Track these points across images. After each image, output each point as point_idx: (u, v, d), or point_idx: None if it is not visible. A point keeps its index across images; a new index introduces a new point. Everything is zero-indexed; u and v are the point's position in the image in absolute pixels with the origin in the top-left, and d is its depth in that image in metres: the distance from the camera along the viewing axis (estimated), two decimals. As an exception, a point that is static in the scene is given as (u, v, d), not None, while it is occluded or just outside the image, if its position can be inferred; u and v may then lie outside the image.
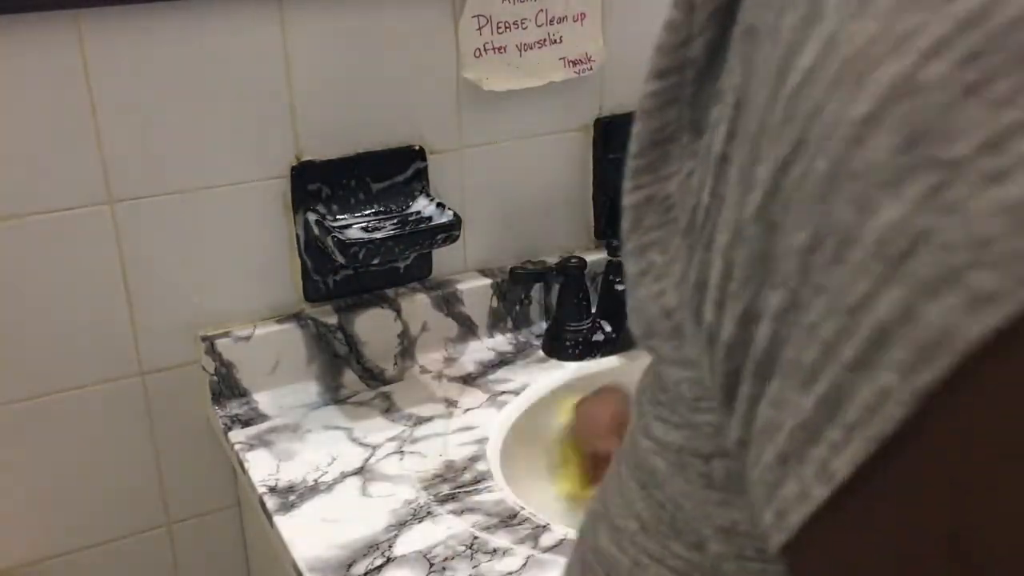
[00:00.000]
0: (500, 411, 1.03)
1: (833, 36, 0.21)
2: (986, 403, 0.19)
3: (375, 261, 1.03)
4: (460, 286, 1.14)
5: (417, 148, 1.08)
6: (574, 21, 1.11)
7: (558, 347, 1.13)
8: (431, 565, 0.81)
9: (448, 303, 1.13)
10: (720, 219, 0.25)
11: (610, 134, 1.18)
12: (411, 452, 0.97)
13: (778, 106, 0.23)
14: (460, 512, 0.88)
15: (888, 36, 0.20)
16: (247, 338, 1.04)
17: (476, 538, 0.84)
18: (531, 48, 1.09)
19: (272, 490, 0.91)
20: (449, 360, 1.13)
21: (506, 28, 1.07)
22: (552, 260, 1.17)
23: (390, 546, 0.84)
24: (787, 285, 0.22)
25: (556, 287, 1.15)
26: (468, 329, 1.15)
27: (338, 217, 1.04)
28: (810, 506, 0.22)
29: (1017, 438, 0.19)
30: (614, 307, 1.14)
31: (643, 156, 0.27)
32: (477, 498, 0.90)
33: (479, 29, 1.06)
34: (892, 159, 0.20)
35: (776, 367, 0.23)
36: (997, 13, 0.19)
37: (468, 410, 1.04)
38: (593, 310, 1.14)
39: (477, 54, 1.07)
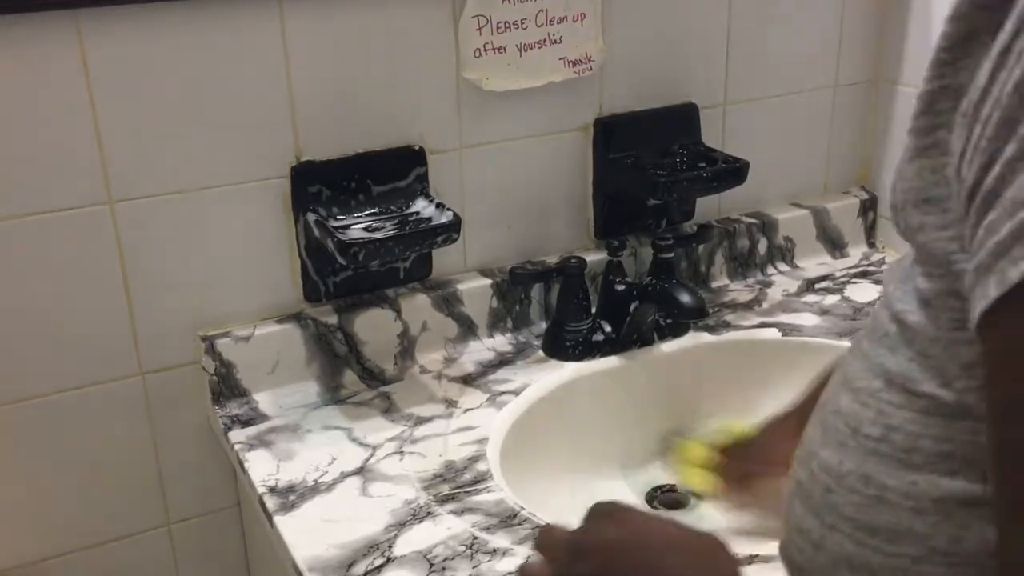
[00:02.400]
0: (500, 411, 1.03)
1: None
2: None
3: (375, 261, 1.03)
4: (460, 286, 1.14)
5: (417, 148, 1.08)
6: (574, 21, 1.11)
7: (558, 347, 1.13)
8: (431, 565, 0.81)
9: (448, 303, 1.13)
10: (990, 95, 0.34)
11: (610, 134, 1.18)
12: (411, 452, 0.97)
13: None
14: (460, 512, 0.88)
15: None
16: (247, 338, 1.04)
17: (476, 538, 0.84)
18: (531, 48, 1.09)
19: (272, 490, 0.91)
20: (449, 360, 1.13)
21: (506, 28, 1.07)
22: (552, 260, 1.17)
23: (390, 546, 0.84)
24: (1020, 141, 0.32)
25: (556, 287, 1.15)
26: (468, 329, 1.15)
27: (338, 217, 1.04)
28: (987, 303, 0.33)
29: None
30: (614, 307, 1.14)
31: (949, 52, 0.35)
32: (477, 498, 0.90)
33: (479, 29, 1.06)
34: None
35: (996, 203, 0.33)
36: None
37: (468, 410, 1.04)
38: (593, 310, 1.14)
39: (477, 54, 1.07)
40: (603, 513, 0.55)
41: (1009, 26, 0.34)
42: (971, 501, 0.41)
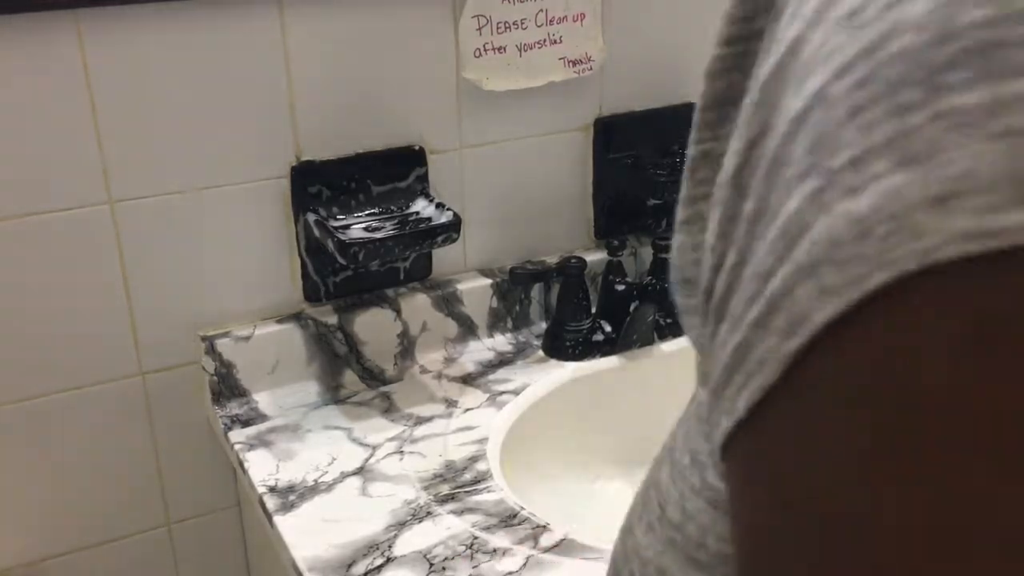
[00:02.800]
0: (500, 411, 1.03)
1: (798, 38, 0.25)
2: (831, 375, 0.23)
3: (375, 261, 1.03)
4: (460, 286, 1.14)
5: (417, 148, 1.08)
6: (574, 21, 1.11)
7: (558, 347, 1.13)
8: (431, 565, 0.81)
9: (448, 303, 1.13)
10: (718, 182, 0.29)
11: (610, 134, 1.18)
12: (411, 452, 0.97)
13: (758, 89, 0.26)
14: (460, 512, 0.88)
15: (824, 49, 0.23)
16: (247, 338, 1.04)
17: (476, 538, 0.84)
18: (531, 48, 1.09)
19: (272, 490, 0.91)
20: (449, 360, 1.13)
21: (506, 28, 1.07)
22: (552, 260, 1.17)
23: (390, 546, 0.84)
24: (738, 245, 0.26)
25: (556, 287, 1.15)
26: (468, 329, 1.15)
27: (338, 217, 1.04)
28: (722, 433, 0.27)
29: (851, 410, 0.23)
30: (614, 307, 1.14)
31: (705, 112, 0.30)
32: (477, 498, 0.90)
33: (479, 29, 1.06)
34: (803, 157, 0.23)
35: (725, 313, 0.27)
36: (885, 47, 0.22)
37: (468, 410, 1.04)
38: (593, 310, 1.14)
39: (477, 54, 1.07)
40: None
41: (745, 101, 0.28)
42: None
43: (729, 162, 0.27)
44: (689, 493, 0.37)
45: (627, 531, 0.41)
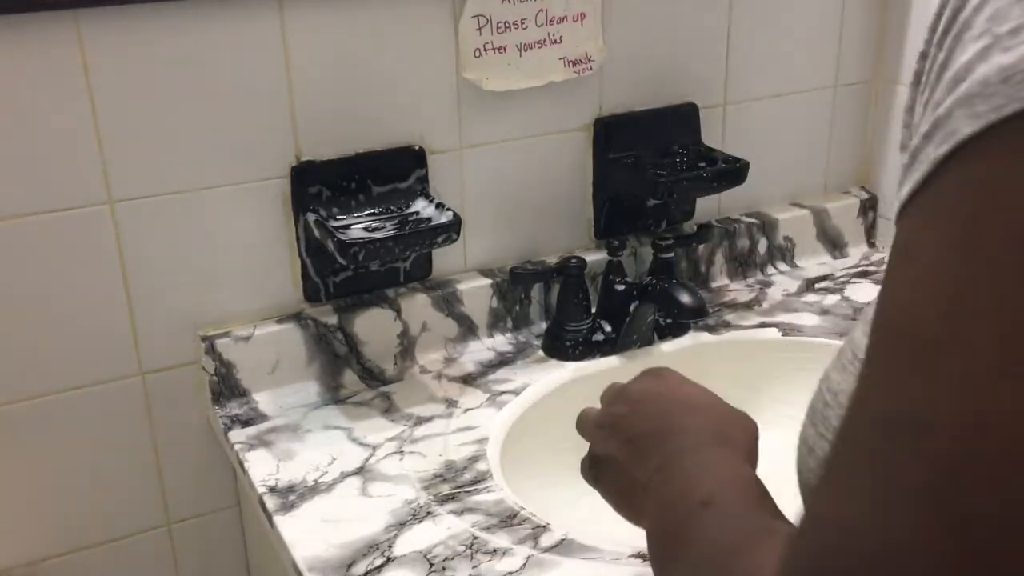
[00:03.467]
0: (500, 411, 1.03)
1: None
2: (963, 179, 0.32)
3: (375, 261, 1.03)
4: (460, 286, 1.14)
5: (417, 148, 1.08)
6: (574, 21, 1.11)
7: (558, 347, 1.13)
8: (431, 565, 0.81)
9: (448, 303, 1.13)
10: (932, 45, 0.37)
11: (610, 134, 1.18)
12: (411, 452, 0.97)
13: None
14: (460, 512, 0.88)
15: None
16: (247, 338, 1.04)
17: (476, 538, 0.84)
18: (531, 48, 1.09)
19: (272, 490, 0.91)
20: (449, 360, 1.13)
21: (506, 28, 1.07)
22: (552, 260, 1.17)
23: (390, 546, 0.84)
24: (932, 84, 0.35)
25: (556, 287, 1.15)
26: (468, 329, 1.15)
27: (338, 217, 1.04)
28: (896, 209, 0.36)
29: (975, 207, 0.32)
30: (614, 307, 1.14)
31: (936, 18, 0.37)
32: (477, 498, 0.90)
33: (479, 29, 1.06)
34: (982, 24, 0.33)
35: (914, 133, 0.36)
36: None
37: (468, 410, 1.04)
38: (593, 310, 1.14)
39: (477, 54, 1.07)
40: (651, 372, 0.68)
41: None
42: None
43: (941, 24, 0.36)
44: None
45: (822, 379, 0.50)
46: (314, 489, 0.91)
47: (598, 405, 0.70)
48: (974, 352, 0.30)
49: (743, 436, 0.60)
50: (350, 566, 0.81)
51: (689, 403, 0.63)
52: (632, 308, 1.12)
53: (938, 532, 0.29)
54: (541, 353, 1.14)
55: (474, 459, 0.96)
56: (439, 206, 1.05)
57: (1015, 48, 0.31)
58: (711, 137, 1.23)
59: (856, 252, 1.38)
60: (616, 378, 1.11)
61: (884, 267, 0.37)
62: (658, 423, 0.61)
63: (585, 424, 0.69)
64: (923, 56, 0.39)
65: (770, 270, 1.33)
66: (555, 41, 1.11)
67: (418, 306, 1.11)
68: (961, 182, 0.32)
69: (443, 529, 0.85)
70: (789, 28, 1.27)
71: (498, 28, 1.07)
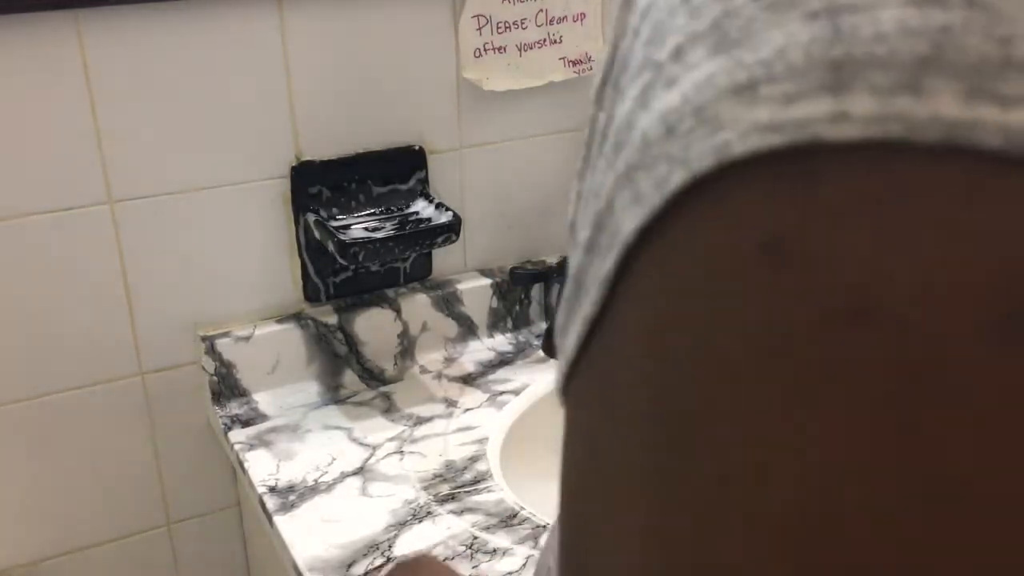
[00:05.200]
0: (500, 411, 1.03)
1: None
2: (634, 299, 0.20)
3: (375, 262, 1.03)
4: (460, 286, 1.14)
5: (417, 148, 1.08)
6: (574, 21, 1.11)
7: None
8: (431, 565, 0.81)
9: (448, 303, 1.13)
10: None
11: (610, 134, 1.17)
12: (411, 452, 0.97)
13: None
14: (460, 512, 0.88)
15: None
16: (247, 338, 1.04)
17: (476, 538, 0.84)
18: (531, 48, 1.09)
19: (272, 490, 0.91)
20: (449, 360, 1.13)
21: (506, 28, 1.07)
22: (552, 260, 1.17)
23: (390, 546, 0.84)
24: (592, 164, 0.23)
25: (556, 287, 1.15)
26: (468, 329, 1.15)
27: (338, 217, 1.04)
28: (558, 377, 0.25)
29: (655, 338, 0.19)
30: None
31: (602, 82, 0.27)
32: (477, 498, 0.90)
33: (479, 29, 1.06)
34: (640, 52, 0.21)
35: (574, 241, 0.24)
36: None
37: (468, 410, 1.04)
38: (593, 310, 1.14)
39: (477, 54, 1.07)
40: (405, 567, 0.57)
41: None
42: None
43: (596, 77, 0.24)
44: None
45: (551, 533, 0.39)
46: (314, 489, 0.91)
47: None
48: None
49: None
50: (350, 566, 0.81)
51: None
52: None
53: None
54: (541, 353, 1.14)
55: (474, 459, 0.96)
56: (439, 206, 1.05)
57: (680, 79, 0.19)
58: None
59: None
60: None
61: None
62: None
63: None
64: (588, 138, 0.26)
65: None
66: (555, 41, 1.11)
67: (418, 306, 1.11)
68: (637, 314, 0.20)
69: (443, 529, 0.85)
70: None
71: (498, 28, 1.07)
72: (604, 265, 0.20)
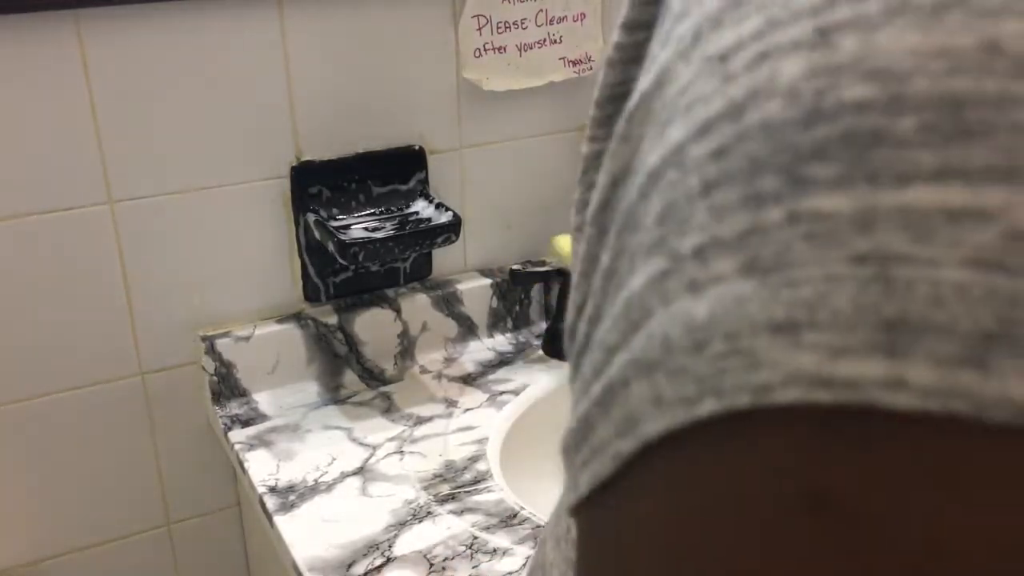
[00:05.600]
0: (500, 411, 1.03)
1: (667, 68, 0.20)
2: (654, 491, 0.19)
3: (375, 262, 1.03)
4: (460, 286, 1.14)
5: (417, 148, 1.08)
6: (574, 21, 1.11)
7: (558, 347, 1.13)
8: (431, 565, 0.81)
9: (448, 303, 1.13)
10: (588, 213, 0.24)
11: (610, 134, 1.17)
12: (411, 452, 0.97)
13: (625, 118, 0.21)
14: (460, 512, 0.88)
15: (689, 94, 0.18)
16: (247, 338, 1.04)
17: (476, 538, 0.84)
18: (531, 48, 1.09)
19: (272, 490, 0.91)
20: (449, 360, 1.13)
21: (506, 28, 1.07)
22: (552, 260, 1.17)
23: (390, 546, 0.84)
24: (595, 299, 0.22)
25: (556, 287, 1.15)
26: (468, 329, 1.15)
27: (338, 217, 1.04)
28: (568, 503, 0.23)
29: (662, 539, 0.19)
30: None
31: (601, 108, 0.25)
32: (477, 498, 0.90)
33: (479, 29, 1.06)
34: (653, 226, 0.19)
35: (580, 368, 0.22)
36: (750, 112, 0.17)
37: (468, 410, 1.04)
38: (593, 310, 1.14)
39: (477, 54, 1.07)
40: None
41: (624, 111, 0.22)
42: None
43: (596, 196, 0.22)
44: (564, 565, 0.33)
45: (543, 540, 0.38)
46: (314, 489, 0.92)
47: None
48: None
49: None
50: (350, 566, 0.81)
51: None
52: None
53: None
54: (541, 353, 1.14)
55: (474, 459, 0.96)
56: (439, 206, 1.05)
57: (706, 289, 0.17)
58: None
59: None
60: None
61: None
62: None
63: None
64: (583, 198, 0.24)
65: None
66: (555, 41, 1.11)
67: (418, 306, 1.11)
68: (653, 512, 0.19)
69: (443, 529, 0.85)
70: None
71: (498, 28, 1.07)
72: (619, 443, 0.19)
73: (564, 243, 1.13)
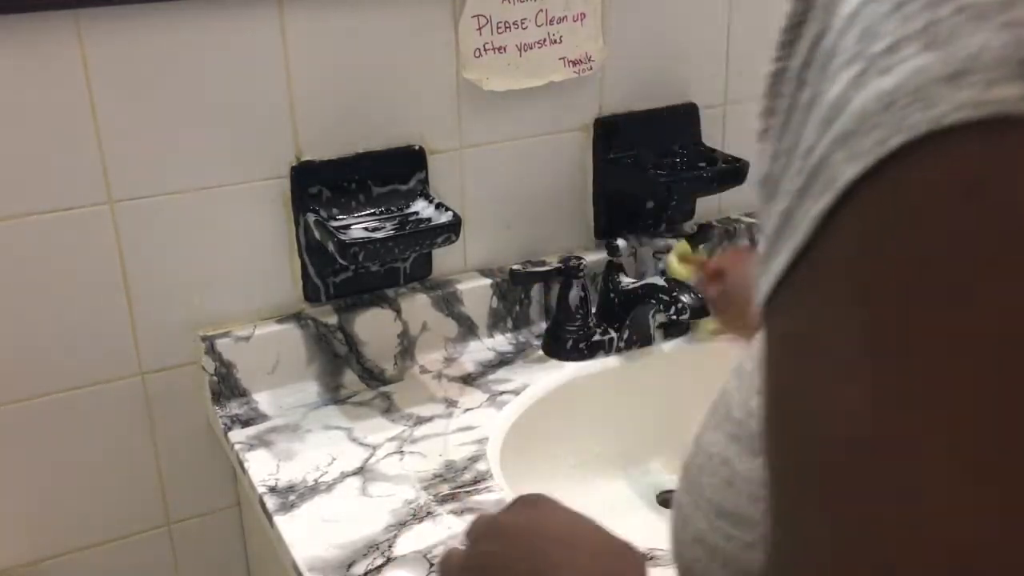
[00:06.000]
0: (500, 411, 1.03)
1: None
2: (849, 229, 0.27)
3: (375, 262, 1.03)
4: (460, 286, 1.14)
5: (417, 148, 1.08)
6: (574, 21, 1.11)
7: (558, 347, 1.13)
8: (431, 565, 0.81)
9: (448, 303, 1.13)
10: (785, 80, 0.33)
11: (610, 134, 1.18)
12: (411, 452, 0.97)
13: None
14: (460, 512, 0.88)
15: None
16: (247, 338, 1.04)
17: (476, 538, 0.84)
18: (531, 48, 1.09)
19: (272, 490, 0.91)
20: (449, 360, 1.13)
21: (506, 28, 1.07)
22: (552, 260, 1.17)
23: (390, 546, 0.84)
24: (794, 130, 0.30)
25: (556, 287, 1.15)
26: (468, 329, 1.15)
27: (338, 217, 1.04)
28: (762, 296, 0.31)
29: (864, 261, 0.27)
30: (614, 307, 1.14)
31: (786, 33, 0.33)
32: (477, 498, 0.90)
33: (479, 29, 1.06)
34: (852, 46, 0.28)
35: (778, 191, 0.31)
36: None
37: (468, 410, 1.04)
38: (593, 310, 1.14)
39: (477, 54, 1.07)
40: (525, 501, 0.58)
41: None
42: None
43: (795, 62, 0.31)
44: (753, 392, 0.43)
45: (697, 436, 0.47)
46: (314, 489, 0.91)
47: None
48: (913, 477, 0.25)
49: (629, 566, 0.51)
50: (350, 566, 0.81)
51: (569, 539, 0.54)
52: (632, 308, 1.12)
53: None
54: (541, 353, 1.14)
55: (474, 459, 0.96)
56: (439, 206, 1.05)
57: (895, 68, 0.26)
58: (711, 137, 1.23)
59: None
60: (616, 378, 1.12)
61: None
62: (533, 564, 0.52)
63: (449, 568, 0.57)
64: (770, 106, 0.34)
65: (770, 270, 1.33)
66: (555, 41, 1.11)
67: (418, 306, 1.11)
68: (852, 240, 0.27)
69: (443, 529, 0.85)
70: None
71: (498, 28, 1.07)
72: (817, 206, 0.28)
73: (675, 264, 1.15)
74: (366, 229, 1.03)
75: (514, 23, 1.07)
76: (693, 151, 1.20)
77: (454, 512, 0.88)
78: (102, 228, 0.97)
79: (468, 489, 0.91)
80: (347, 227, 1.02)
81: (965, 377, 0.25)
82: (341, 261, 1.00)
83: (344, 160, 1.05)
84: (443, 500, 0.89)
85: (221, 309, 1.05)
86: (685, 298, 1.08)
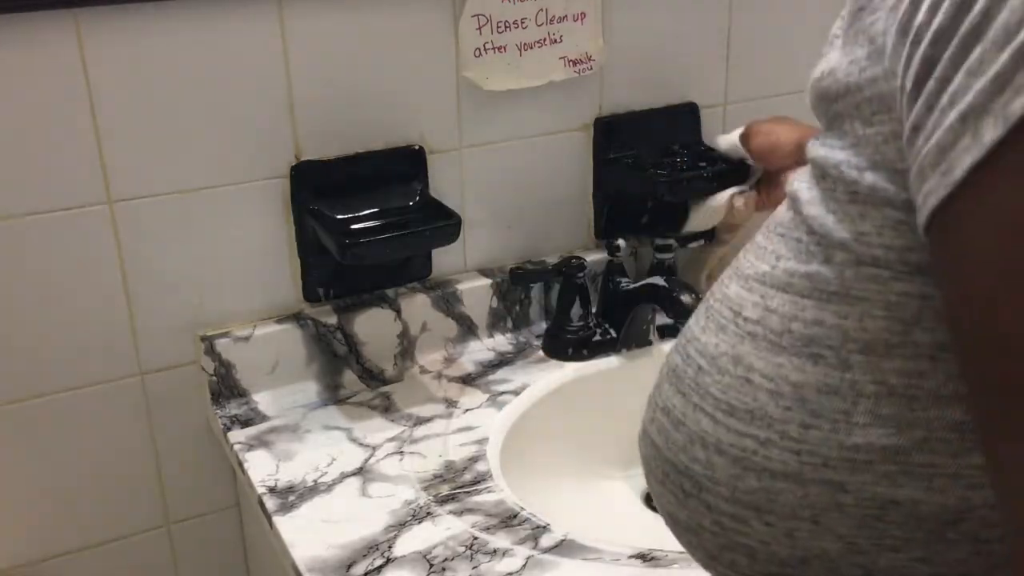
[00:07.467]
0: (500, 411, 1.03)
1: None
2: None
3: (375, 261, 1.03)
4: (460, 286, 1.14)
5: (417, 148, 1.08)
6: (574, 21, 1.11)
7: (558, 347, 1.13)
8: (431, 566, 0.81)
9: (448, 303, 1.13)
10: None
11: (610, 134, 1.17)
12: (411, 452, 0.97)
13: None
14: (460, 512, 0.88)
15: None
16: (247, 338, 1.04)
17: (476, 538, 0.84)
18: (531, 48, 1.09)
19: (272, 490, 0.91)
20: (449, 360, 1.13)
21: (506, 28, 1.07)
22: (552, 260, 1.17)
23: (390, 546, 0.84)
24: (962, 36, 0.30)
25: (556, 287, 1.15)
26: (468, 329, 1.15)
27: (338, 217, 1.04)
28: (929, 208, 0.32)
29: None
30: (614, 307, 1.14)
31: None
32: (477, 498, 0.90)
33: (479, 29, 1.06)
34: None
35: (979, 40, 0.30)
36: None
37: (468, 410, 1.04)
38: (593, 310, 1.14)
39: (477, 54, 1.07)
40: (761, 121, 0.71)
41: None
42: (826, 389, 0.41)
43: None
44: (772, 291, 0.44)
45: (686, 344, 0.48)
46: (314, 489, 0.91)
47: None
48: None
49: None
50: (350, 566, 0.81)
51: None
52: (632, 308, 1.12)
53: None
54: (541, 353, 1.14)
55: (474, 459, 0.96)
56: (439, 206, 1.05)
57: None
58: (711, 137, 1.23)
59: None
60: (616, 378, 1.12)
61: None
62: None
63: None
64: (854, 18, 0.37)
65: (770, 270, 1.33)
66: (555, 41, 1.10)
67: (418, 306, 1.11)
68: None
69: (443, 529, 0.85)
70: (789, 28, 1.26)
71: (498, 28, 1.07)
72: (1020, 99, 0.28)
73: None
74: (366, 229, 1.02)
75: (514, 23, 1.07)
76: (693, 151, 1.20)
77: (454, 512, 0.88)
78: (102, 228, 0.97)
79: (468, 489, 0.91)
80: (347, 227, 1.02)
81: None
82: (341, 261, 0.99)
83: (344, 160, 1.05)
84: (443, 500, 0.89)
85: (221, 309, 1.05)
86: (683, 298, 1.08)
